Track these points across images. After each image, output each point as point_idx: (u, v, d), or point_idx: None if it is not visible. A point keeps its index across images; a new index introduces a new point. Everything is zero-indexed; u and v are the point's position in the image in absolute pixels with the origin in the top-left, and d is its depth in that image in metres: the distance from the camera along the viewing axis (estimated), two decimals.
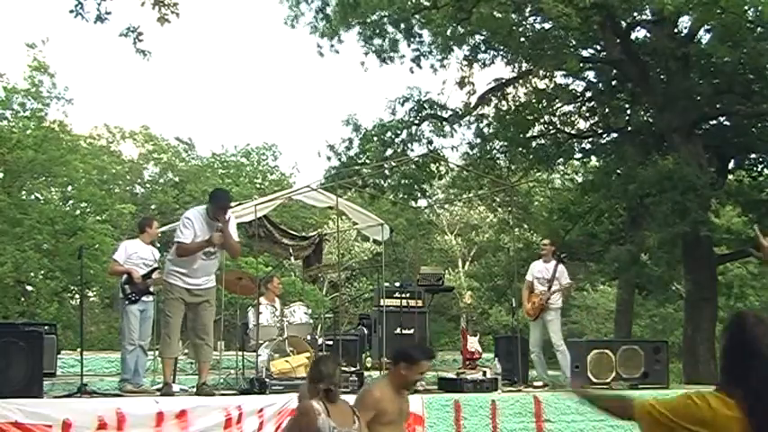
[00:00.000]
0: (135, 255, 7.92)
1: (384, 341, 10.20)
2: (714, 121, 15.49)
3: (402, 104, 16.32)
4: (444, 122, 16.26)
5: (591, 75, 16.59)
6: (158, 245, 9.47)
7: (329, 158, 16.45)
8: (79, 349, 8.64)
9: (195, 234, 7.00)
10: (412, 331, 10.99)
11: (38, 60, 20.49)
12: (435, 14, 14.51)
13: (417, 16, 15.06)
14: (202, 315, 7.13)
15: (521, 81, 16.72)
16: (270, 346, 8.24)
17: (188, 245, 7.01)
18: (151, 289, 7.90)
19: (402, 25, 15.22)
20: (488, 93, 16.58)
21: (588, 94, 16.77)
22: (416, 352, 4.74)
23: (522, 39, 14.48)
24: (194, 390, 7.16)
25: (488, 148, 16.65)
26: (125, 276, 7.78)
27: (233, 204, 10.00)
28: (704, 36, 14.63)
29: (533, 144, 16.78)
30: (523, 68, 16.03)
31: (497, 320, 26.03)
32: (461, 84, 16.08)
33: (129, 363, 7.67)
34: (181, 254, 7.07)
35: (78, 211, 22.95)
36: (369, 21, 15.13)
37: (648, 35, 15.22)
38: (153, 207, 29.14)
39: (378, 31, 15.33)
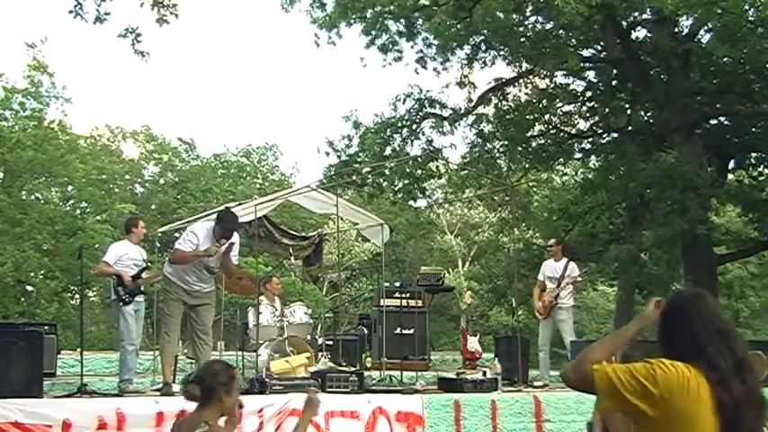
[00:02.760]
0: (125, 256, 7.96)
1: (384, 341, 10.21)
2: (714, 121, 15.48)
3: (403, 102, 16.34)
4: (444, 121, 16.25)
5: (591, 74, 16.59)
6: (158, 245, 9.50)
7: (328, 154, 16.44)
8: (79, 349, 8.65)
9: (197, 248, 7.11)
10: (412, 331, 11.01)
11: (37, 60, 20.52)
12: (436, 12, 14.49)
13: (417, 14, 15.04)
14: (202, 315, 7.17)
15: (521, 81, 16.71)
16: (270, 346, 8.24)
17: (185, 252, 7.08)
18: (142, 288, 7.95)
19: (403, 23, 15.20)
20: (489, 92, 16.57)
21: (588, 94, 16.76)
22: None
23: (523, 38, 14.47)
24: None
25: (488, 147, 16.64)
26: (116, 279, 7.80)
27: (233, 204, 10.07)
28: (704, 36, 14.63)
29: (533, 144, 16.77)
30: (524, 68, 16.02)
31: (497, 320, 26.05)
32: (461, 83, 16.08)
33: (130, 363, 7.72)
34: (175, 260, 7.17)
35: (78, 211, 22.96)
36: (368, 17, 15.09)
37: (649, 35, 15.21)
38: (153, 207, 29.16)
39: (379, 28, 15.29)
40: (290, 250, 10.80)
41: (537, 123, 16.77)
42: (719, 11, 12.20)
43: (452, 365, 11.31)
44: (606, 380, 2.39)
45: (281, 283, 10.24)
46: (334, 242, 18.55)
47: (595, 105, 16.73)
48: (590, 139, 17.26)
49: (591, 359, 2.46)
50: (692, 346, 2.46)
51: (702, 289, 2.73)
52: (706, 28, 14.23)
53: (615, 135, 16.51)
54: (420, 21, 15.26)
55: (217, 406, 3.62)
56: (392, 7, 14.94)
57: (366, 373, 8.53)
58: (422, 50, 15.59)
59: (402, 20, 15.11)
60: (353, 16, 15.09)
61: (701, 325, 2.50)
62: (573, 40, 14.75)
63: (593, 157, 17.72)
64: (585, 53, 15.71)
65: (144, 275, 7.92)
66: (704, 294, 2.66)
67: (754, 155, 15.60)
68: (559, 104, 16.85)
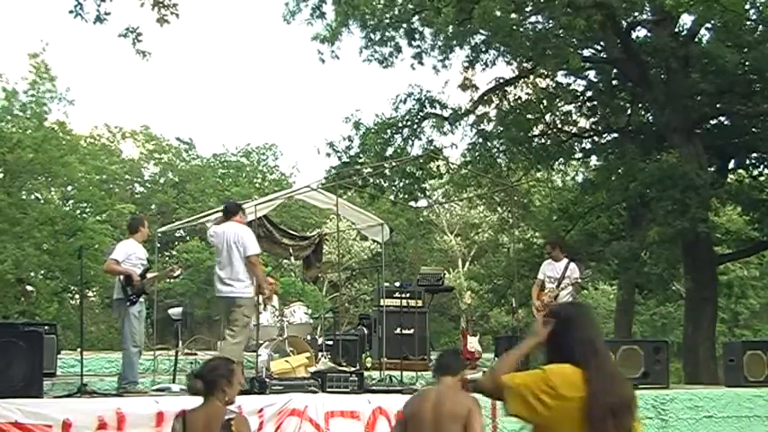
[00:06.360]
0: (134, 255, 7.91)
1: (384, 341, 10.22)
2: (714, 121, 15.47)
3: (404, 102, 16.32)
4: (445, 121, 16.24)
5: (591, 74, 16.58)
6: (159, 245, 9.49)
7: (329, 155, 16.43)
8: (79, 349, 8.64)
9: None
10: (412, 331, 11.01)
11: (41, 63, 20.54)
12: (436, 17, 14.48)
13: (417, 17, 15.04)
14: None
15: (522, 80, 16.69)
16: (270, 346, 8.24)
17: None
18: (144, 289, 7.91)
19: (403, 27, 15.20)
20: (489, 92, 16.55)
21: (589, 94, 16.74)
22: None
23: (523, 38, 14.45)
24: None
25: (489, 147, 16.62)
26: (124, 278, 7.77)
27: None
28: (705, 35, 14.63)
29: (534, 143, 16.76)
30: (524, 68, 16.00)
31: (497, 320, 26.05)
32: (463, 86, 16.06)
33: (136, 365, 7.68)
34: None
35: (78, 211, 22.98)
36: (369, 24, 15.09)
37: (649, 35, 15.20)
38: (153, 207, 29.19)
39: (379, 33, 15.29)
40: (290, 250, 10.80)
41: (538, 123, 16.76)
42: (720, 9, 12.15)
43: None
44: (513, 386, 2.86)
45: (275, 282, 10.23)
46: (334, 242, 18.56)
47: (596, 105, 16.72)
48: (590, 139, 17.25)
49: (500, 371, 2.96)
50: (577, 351, 2.88)
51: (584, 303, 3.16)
52: (707, 27, 14.23)
53: (615, 135, 16.51)
54: (419, 25, 15.27)
55: (220, 397, 3.93)
56: (395, 11, 14.93)
57: (366, 373, 8.53)
58: (419, 46, 15.60)
59: (403, 25, 15.11)
60: (353, 24, 15.10)
61: (583, 334, 2.94)
62: (573, 40, 14.74)
63: (593, 156, 17.72)
64: (586, 53, 15.69)
65: (149, 275, 7.90)
66: (586, 308, 3.23)
67: (754, 155, 15.59)
68: (560, 104, 16.84)
